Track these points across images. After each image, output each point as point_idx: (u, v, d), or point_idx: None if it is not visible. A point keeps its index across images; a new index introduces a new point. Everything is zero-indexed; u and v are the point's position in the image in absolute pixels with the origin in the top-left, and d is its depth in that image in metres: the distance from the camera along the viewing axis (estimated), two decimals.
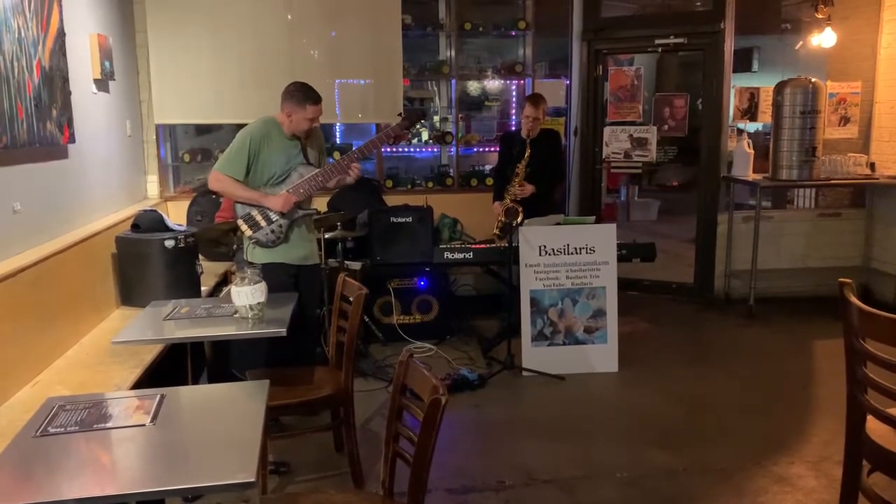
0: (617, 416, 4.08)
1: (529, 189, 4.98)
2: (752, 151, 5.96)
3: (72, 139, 3.86)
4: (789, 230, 6.18)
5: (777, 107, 5.72)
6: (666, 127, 6.34)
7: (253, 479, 1.73)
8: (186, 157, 5.87)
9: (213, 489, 1.71)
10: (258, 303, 3.03)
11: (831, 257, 6.15)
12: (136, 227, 4.22)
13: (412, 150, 6.44)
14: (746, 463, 3.46)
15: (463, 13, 6.15)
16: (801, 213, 6.43)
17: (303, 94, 3.67)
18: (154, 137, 5.62)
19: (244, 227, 3.78)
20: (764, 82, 6.23)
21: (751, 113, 6.14)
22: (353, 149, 4.14)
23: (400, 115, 4.06)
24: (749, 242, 5.80)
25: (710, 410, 4.12)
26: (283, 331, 2.93)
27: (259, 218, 3.76)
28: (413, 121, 4.12)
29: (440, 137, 6.26)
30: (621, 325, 4.76)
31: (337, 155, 5.03)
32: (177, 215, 5.39)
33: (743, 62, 7.68)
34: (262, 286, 3.06)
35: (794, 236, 6.18)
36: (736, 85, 6.09)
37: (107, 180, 4.56)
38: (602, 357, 4.65)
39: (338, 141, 6.62)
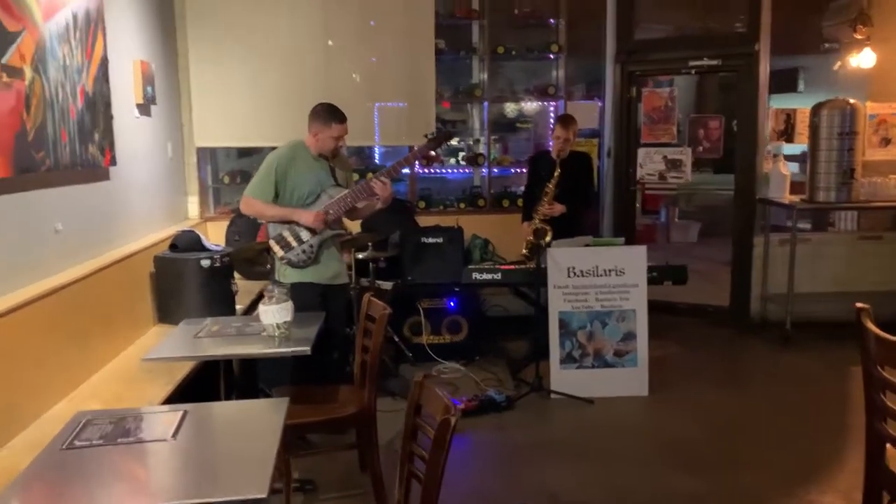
0: (644, 441, 4.04)
1: (559, 209, 4.97)
2: (788, 173, 5.88)
3: (113, 162, 4.01)
4: (828, 253, 6.05)
5: (814, 128, 5.64)
6: (701, 148, 6.29)
7: (264, 495, 1.77)
8: (226, 179, 6.03)
9: None
10: (285, 321, 3.10)
11: (872, 281, 5.99)
12: (173, 246, 4.36)
13: (445, 171, 6.51)
14: (776, 491, 3.39)
15: (496, 37, 6.23)
16: (840, 237, 6.30)
17: (329, 113, 3.77)
18: (195, 160, 5.79)
19: (276, 247, 3.87)
20: (809, 103, 6.13)
21: (787, 134, 6.06)
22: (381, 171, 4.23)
23: (426, 136, 4.13)
24: (786, 265, 5.70)
25: (741, 436, 4.05)
26: (307, 349, 2.99)
27: (290, 238, 3.85)
28: (439, 142, 4.18)
29: (472, 159, 6.33)
30: (653, 348, 4.72)
31: (370, 177, 5.12)
32: (216, 235, 5.53)
33: (787, 83, 7.59)
34: (289, 305, 3.13)
35: (834, 260, 6.05)
36: (773, 106, 6.02)
37: (147, 201, 4.71)
38: (632, 380, 4.62)
39: (376, 162, 6.72)
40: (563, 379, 4.60)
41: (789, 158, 6.28)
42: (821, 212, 6.20)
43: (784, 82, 7.52)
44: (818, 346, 5.49)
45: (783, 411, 4.38)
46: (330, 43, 5.83)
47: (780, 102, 6.12)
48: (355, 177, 4.71)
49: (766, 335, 5.82)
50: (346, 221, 4.72)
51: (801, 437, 4.01)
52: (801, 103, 6.30)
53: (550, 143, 5.13)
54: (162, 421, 2.25)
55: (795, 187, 5.95)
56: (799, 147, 6.40)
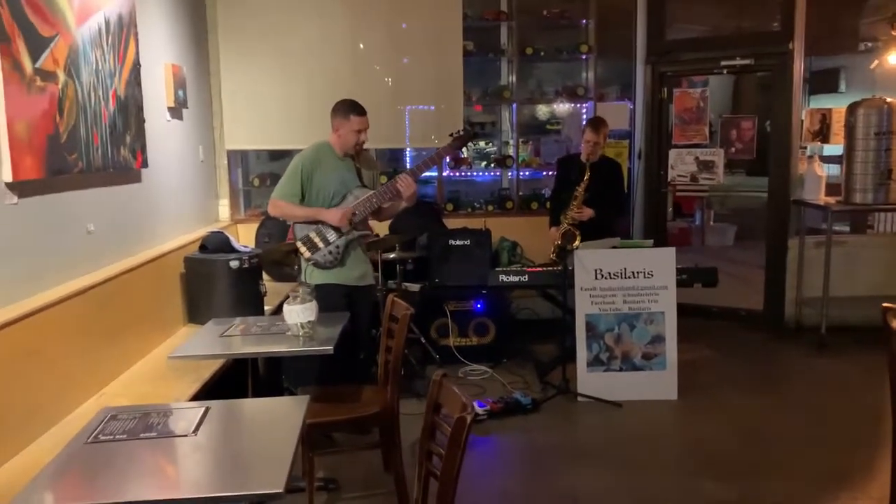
0: (672, 445, 3.99)
1: (589, 213, 4.93)
2: (824, 174, 5.77)
3: (144, 164, 4.08)
4: (865, 256, 5.91)
5: (850, 128, 5.52)
6: (733, 149, 6.20)
7: (280, 491, 1.79)
8: (256, 182, 6.10)
9: (241, 499, 1.78)
10: (309, 321, 3.12)
11: None
12: (203, 247, 4.42)
13: (473, 173, 6.51)
14: (806, 498, 3.33)
15: (525, 38, 6.22)
16: (878, 239, 6.16)
17: (347, 106, 3.81)
18: (226, 162, 5.87)
19: (303, 248, 3.91)
20: (848, 103, 6.00)
21: (822, 135, 5.94)
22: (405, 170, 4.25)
23: (451, 135, 4.14)
24: (821, 268, 5.58)
25: (771, 442, 3.97)
26: (330, 349, 3.00)
27: (317, 240, 3.88)
28: (464, 141, 4.19)
29: (501, 161, 6.32)
30: (684, 352, 4.65)
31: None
32: (246, 237, 5.60)
33: (828, 82, 7.46)
34: (313, 305, 3.15)
35: (871, 263, 5.91)
36: (811, 106, 5.91)
37: (178, 203, 4.79)
38: (660, 384, 4.56)
39: (407, 166, 6.73)
40: (591, 382, 4.56)
41: (826, 160, 6.17)
42: (857, 213, 6.07)
43: (825, 82, 7.39)
44: (854, 352, 5.36)
45: (816, 417, 4.28)
46: (361, 46, 5.87)
47: (821, 102, 5.99)
48: (383, 179, 4.74)
49: (800, 340, 5.70)
50: (374, 224, 4.76)
51: (834, 443, 3.92)
52: (839, 103, 6.17)
53: (580, 146, 5.08)
54: (185, 417, 2.28)
55: (831, 189, 5.83)
56: (836, 148, 6.28)
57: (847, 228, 6.48)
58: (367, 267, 4.09)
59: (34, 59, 2.93)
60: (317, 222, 3.87)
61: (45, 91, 3.03)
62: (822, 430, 4.10)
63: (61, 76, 3.15)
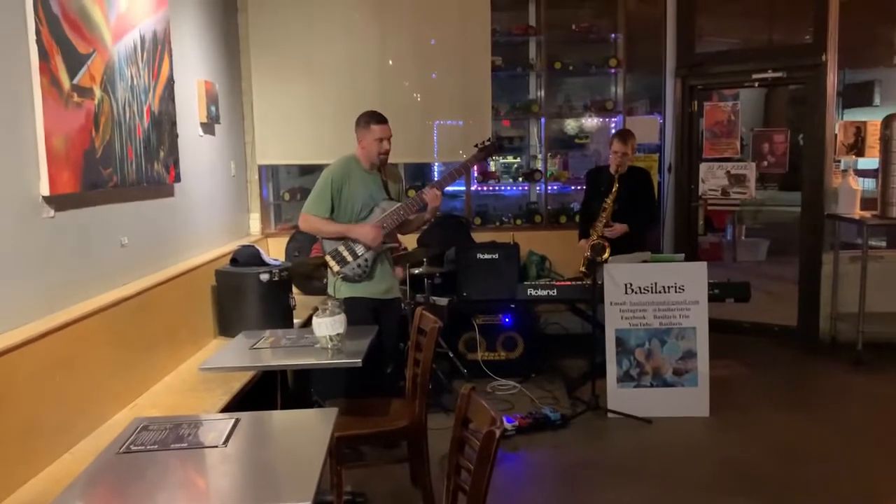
0: (703, 463, 3.92)
1: (621, 229, 4.87)
2: (859, 188, 5.67)
3: (177, 178, 4.15)
4: None
5: (885, 141, 5.42)
6: (765, 163, 6.13)
7: (308, 503, 1.79)
8: (286, 196, 6.16)
9: None
10: (337, 334, 3.13)
11: None
12: (234, 261, 4.47)
13: (501, 187, 6.51)
14: None
15: (554, 53, 6.22)
16: None
17: (367, 116, 3.86)
18: (257, 177, 5.94)
19: (332, 262, 3.93)
20: (882, 116, 5.90)
21: (857, 148, 5.84)
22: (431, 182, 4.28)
23: (476, 146, 4.17)
24: (856, 284, 5.47)
25: (806, 460, 3.88)
26: (358, 361, 3.01)
27: (346, 253, 3.90)
28: (489, 152, 4.20)
29: (529, 175, 6.31)
30: (717, 368, 4.58)
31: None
32: (276, 251, 5.66)
33: (863, 96, 7.36)
34: (342, 318, 3.16)
35: None
36: (843, 119, 5.82)
37: (210, 217, 4.85)
38: (692, 400, 4.49)
39: (434, 179, 6.76)
40: (620, 398, 4.50)
41: (861, 174, 6.06)
42: (894, 228, 5.94)
43: (860, 96, 7.28)
44: (890, 368, 5.24)
45: (851, 436, 4.19)
46: (390, 62, 5.92)
47: (855, 116, 5.90)
48: (411, 193, 4.76)
49: (835, 356, 5.59)
50: (402, 237, 4.78)
51: (869, 462, 3.82)
52: (874, 117, 6.07)
53: (609, 158, 5.05)
54: (215, 428, 2.30)
55: (867, 203, 5.72)
56: (871, 161, 6.17)
57: (883, 243, 6.35)
58: (394, 281, 4.10)
59: (72, 75, 3.00)
60: (348, 238, 3.89)
61: (82, 107, 3.09)
62: (856, 449, 4.00)
63: (97, 92, 3.22)
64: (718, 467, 3.84)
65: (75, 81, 3.03)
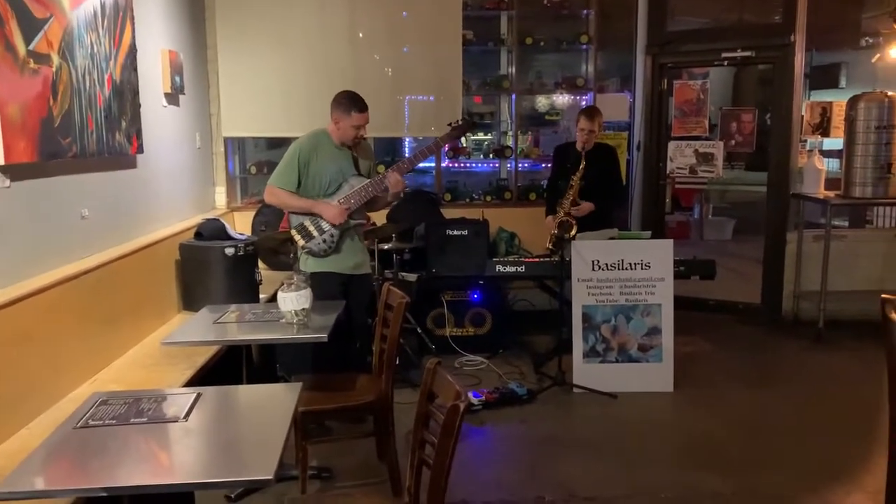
0: (667, 437, 3.98)
1: (587, 207, 4.88)
2: (823, 168, 5.74)
3: (140, 150, 4.05)
4: (864, 250, 5.89)
5: (850, 122, 5.49)
6: (733, 142, 6.18)
7: (270, 477, 1.77)
8: (253, 170, 6.07)
9: (230, 485, 1.76)
10: (303, 309, 3.10)
11: None
12: (199, 235, 4.40)
13: (472, 164, 6.48)
14: (801, 491, 3.32)
15: (525, 28, 6.17)
16: (877, 233, 6.14)
17: (349, 101, 3.77)
18: (223, 150, 5.84)
19: (297, 236, 3.89)
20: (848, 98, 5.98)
21: (823, 128, 5.91)
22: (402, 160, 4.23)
23: (449, 125, 4.12)
24: (819, 262, 5.57)
25: (767, 435, 3.96)
26: (324, 337, 2.98)
27: (312, 228, 3.85)
28: (462, 131, 4.16)
29: (499, 151, 6.29)
30: (682, 344, 4.64)
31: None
32: (243, 225, 5.58)
33: (829, 78, 7.43)
34: (308, 293, 3.13)
35: (870, 257, 5.90)
36: (810, 100, 5.88)
37: (174, 190, 4.76)
38: (656, 376, 4.55)
39: (406, 155, 6.70)
40: (586, 373, 4.54)
41: (826, 154, 6.14)
42: (856, 208, 6.05)
43: (826, 78, 7.36)
44: (851, 346, 5.35)
45: (812, 411, 4.28)
46: (360, 35, 5.83)
47: (821, 98, 5.95)
48: (381, 168, 4.71)
49: (797, 333, 5.70)
50: (372, 213, 4.73)
51: (830, 436, 3.91)
52: (839, 98, 6.14)
53: (576, 135, 5.05)
54: (176, 402, 2.27)
55: (831, 183, 5.81)
56: (836, 142, 6.25)
57: (846, 223, 6.47)
58: (364, 256, 4.07)
59: (27, 41, 2.90)
60: (313, 214, 3.84)
61: (39, 73, 2.99)
62: (817, 424, 4.09)
63: (55, 59, 3.11)
64: (682, 441, 3.90)
65: (31, 47, 2.93)
